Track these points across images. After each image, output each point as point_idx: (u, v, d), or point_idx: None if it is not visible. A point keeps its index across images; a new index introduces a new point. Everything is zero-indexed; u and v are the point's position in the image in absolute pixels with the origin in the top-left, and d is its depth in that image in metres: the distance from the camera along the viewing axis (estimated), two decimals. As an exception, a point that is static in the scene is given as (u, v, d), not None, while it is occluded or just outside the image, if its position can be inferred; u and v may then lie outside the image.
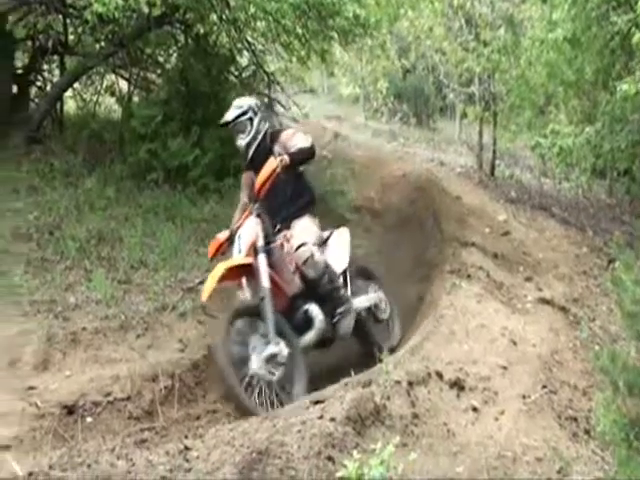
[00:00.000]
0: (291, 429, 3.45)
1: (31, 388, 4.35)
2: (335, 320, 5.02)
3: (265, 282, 4.65)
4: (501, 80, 10.15)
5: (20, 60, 8.40)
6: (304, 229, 5.10)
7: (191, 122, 7.97)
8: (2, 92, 7.71)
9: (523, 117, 9.64)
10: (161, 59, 9.39)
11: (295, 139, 5.19)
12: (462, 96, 12.66)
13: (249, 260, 4.76)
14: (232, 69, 9.09)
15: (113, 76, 9.22)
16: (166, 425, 4.31)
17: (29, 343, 4.68)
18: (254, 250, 4.78)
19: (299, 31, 8.50)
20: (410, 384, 4.10)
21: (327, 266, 4.98)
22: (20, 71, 8.20)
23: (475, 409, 4.13)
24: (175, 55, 9.34)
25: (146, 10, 6.99)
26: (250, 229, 4.87)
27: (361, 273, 5.66)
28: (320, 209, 8.11)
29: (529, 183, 10.73)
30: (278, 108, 9.46)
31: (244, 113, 5.21)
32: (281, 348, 4.52)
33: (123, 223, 6.50)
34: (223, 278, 4.64)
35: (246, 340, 4.49)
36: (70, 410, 4.27)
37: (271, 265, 4.82)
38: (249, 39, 9.00)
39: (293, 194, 5.20)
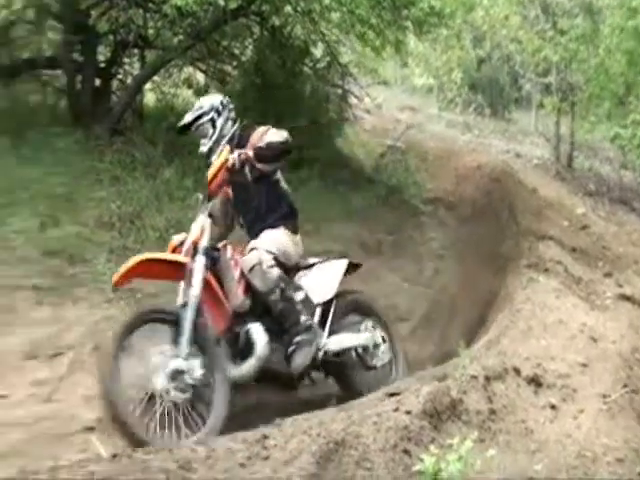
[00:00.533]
0: (367, 421, 3.47)
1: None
2: (290, 351, 4.24)
3: (195, 288, 3.97)
4: (579, 69, 9.91)
5: (102, 54, 8.61)
6: (269, 238, 4.38)
7: (266, 114, 8.04)
8: (85, 85, 7.93)
9: (602, 107, 9.40)
10: (237, 51, 9.47)
11: (267, 136, 4.40)
12: (538, 86, 12.41)
13: (181, 258, 4.11)
14: (306, 61, 9.12)
15: (191, 69, 9.37)
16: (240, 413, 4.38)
17: (112, 329, 4.82)
18: (194, 249, 4.12)
19: (373, 21, 8.46)
20: (487, 379, 4.07)
21: (283, 282, 4.21)
22: (102, 65, 8.41)
23: (553, 407, 4.08)
24: (250, 47, 9.43)
25: (222, 3, 7.07)
26: (196, 227, 4.21)
27: (356, 308, 4.87)
28: (394, 201, 8.18)
29: (608, 176, 10.45)
30: (352, 100, 9.46)
31: (204, 114, 4.53)
32: (192, 365, 3.83)
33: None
34: (143, 270, 4.05)
35: (149, 352, 3.87)
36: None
37: (215, 272, 4.17)
38: (323, 30, 8.99)
39: (268, 206, 4.49)
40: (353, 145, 9.59)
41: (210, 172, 4.19)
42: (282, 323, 4.23)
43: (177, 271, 4.07)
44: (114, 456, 3.23)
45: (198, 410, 3.87)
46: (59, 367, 4.49)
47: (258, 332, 4.11)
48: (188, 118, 4.56)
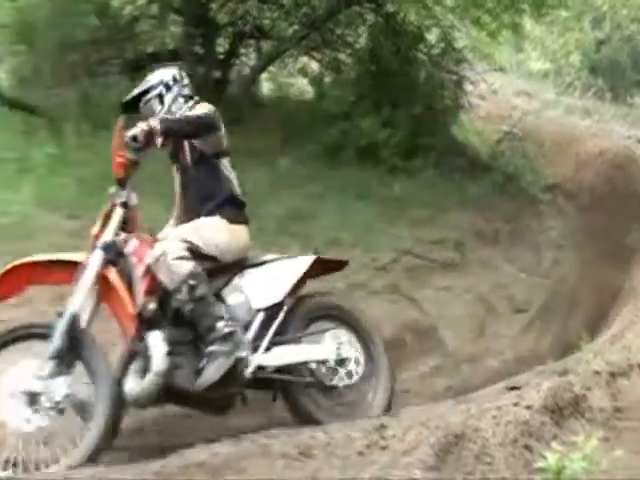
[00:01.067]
0: (486, 414, 3.42)
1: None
2: (201, 364, 3.50)
3: (78, 291, 3.38)
4: None
5: (221, 46, 8.86)
6: (191, 226, 3.71)
7: (381, 101, 8.05)
8: (205, 76, 8.19)
9: None
10: (351, 39, 9.51)
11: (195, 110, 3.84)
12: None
13: (76, 257, 3.50)
14: (421, 47, 9.06)
15: (305, 58, 9.49)
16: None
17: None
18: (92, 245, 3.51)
19: (489, 5, 8.31)
20: (611, 375, 3.93)
21: (193, 278, 3.45)
22: (221, 56, 8.66)
23: (682, 405, 3.89)
24: (364, 35, 9.44)
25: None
26: (100, 218, 3.59)
27: (328, 315, 3.95)
28: (511, 189, 8.02)
29: None
30: (467, 86, 9.33)
31: (151, 89, 3.88)
32: (50, 386, 3.23)
33: (316, 201, 6.72)
34: (30, 275, 3.48)
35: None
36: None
37: (122, 272, 3.51)
38: (438, 15, 8.88)
39: (206, 193, 3.81)
40: (468, 132, 9.46)
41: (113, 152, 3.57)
42: (199, 329, 3.50)
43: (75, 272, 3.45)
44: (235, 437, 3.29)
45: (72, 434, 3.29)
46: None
47: (156, 342, 3.40)
48: (133, 92, 3.93)
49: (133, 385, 3.38)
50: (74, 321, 3.34)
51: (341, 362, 3.76)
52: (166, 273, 3.46)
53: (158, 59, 8.39)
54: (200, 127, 3.67)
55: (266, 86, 9.32)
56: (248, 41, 9.01)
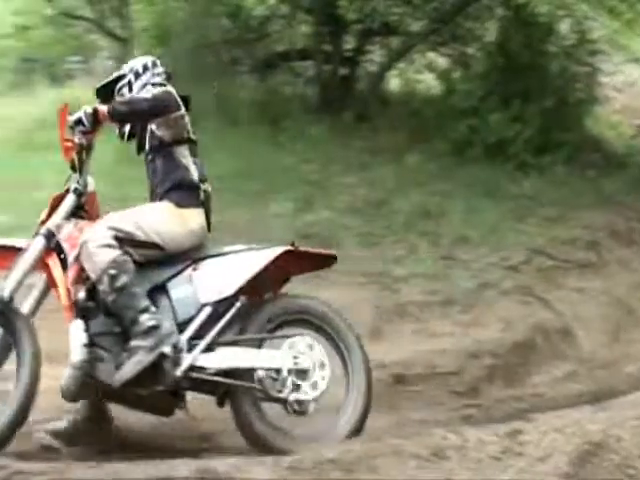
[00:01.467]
0: (628, 423, 3.31)
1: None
2: (123, 358, 3.24)
3: (13, 276, 3.27)
4: None
5: (348, 43, 8.94)
6: (129, 212, 3.49)
7: (510, 96, 7.88)
8: (333, 73, 8.30)
9: None
10: (479, 33, 9.35)
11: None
12: None
13: (18, 242, 3.41)
14: (552, 39, 8.77)
15: (432, 53, 9.41)
16: (489, 404, 4.38)
17: (362, 311, 5.03)
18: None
19: (625, -7, 7.97)
20: None
21: (115, 268, 3.21)
22: (348, 54, 8.74)
23: None
24: (493, 28, 9.25)
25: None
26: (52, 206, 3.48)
27: (299, 320, 3.48)
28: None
29: None
30: (601, 78, 8.97)
31: (122, 77, 3.79)
32: None
33: (444, 199, 6.67)
34: None
35: None
36: (397, 379, 4.53)
37: (64, 262, 3.34)
38: (570, 6, 8.58)
39: (158, 181, 3.61)
40: (603, 126, 9.08)
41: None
42: (124, 323, 3.25)
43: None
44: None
45: None
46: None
47: (75, 332, 3.20)
48: (106, 80, 3.86)
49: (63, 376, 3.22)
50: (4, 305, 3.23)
51: (298, 373, 3.32)
52: (88, 261, 3.25)
53: (287, 58, 8.60)
54: (149, 108, 3.48)
55: (393, 83, 9.31)
56: (375, 38, 9.03)
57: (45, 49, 10.01)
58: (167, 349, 3.20)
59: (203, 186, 3.59)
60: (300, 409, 3.30)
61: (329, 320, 3.45)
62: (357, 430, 3.34)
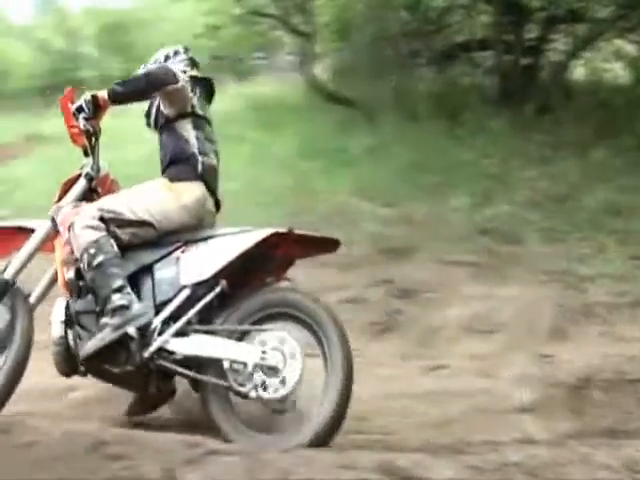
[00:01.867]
0: None
1: (546, 356, 4.53)
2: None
3: (18, 257, 3.40)
4: None
5: (531, 32, 8.65)
6: (121, 193, 3.54)
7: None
8: (514, 64, 8.07)
9: None
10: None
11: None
12: None
13: (28, 224, 3.52)
14: None
15: (619, 40, 8.90)
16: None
17: (544, 311, 4.88)
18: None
19: None
20: None
21: (94, 247, 3.26)
22: (530, 43, 8.46)
23: None
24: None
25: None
26: (63, 189, 3.58)
27: (282, 313, 3.25)
28: None
29: None
30: None
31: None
32: None
33: (634, 195, 6.29)
34: None
35: None
36: (583, 383, 4.34)
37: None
38: None
39: (162, 158, 3.66)
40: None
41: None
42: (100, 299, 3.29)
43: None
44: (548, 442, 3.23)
45: None
46: (493, 343, 4.67)
47: (56, 310, 3.31)
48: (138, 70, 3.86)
49: None
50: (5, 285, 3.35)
51: (269, 370, 3.14)
52: (74, 242, 3.31)
53: (467, 49, 8.46)
54: (146, 84, 3.47)
55: (578, 72, 8.89)
56: (560, 26, 8.67)
57: (232, 47, 10.50)
58: (132, 330, 3.18)
59: (202, 158, 3.52)
60: (267, 405, 3.15)
61: (314, 315, 3.21)
62: (327, 435, 3.05)
